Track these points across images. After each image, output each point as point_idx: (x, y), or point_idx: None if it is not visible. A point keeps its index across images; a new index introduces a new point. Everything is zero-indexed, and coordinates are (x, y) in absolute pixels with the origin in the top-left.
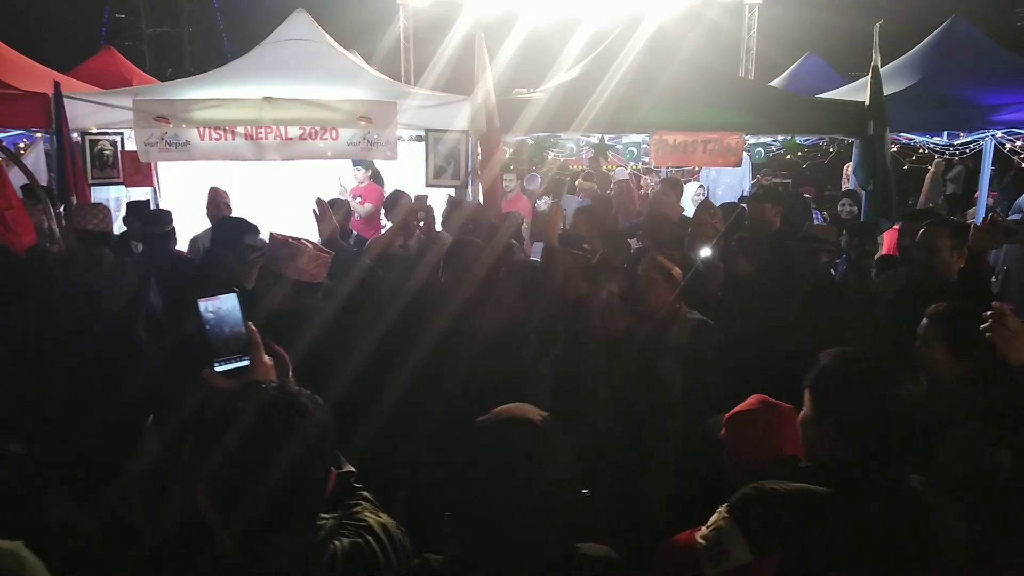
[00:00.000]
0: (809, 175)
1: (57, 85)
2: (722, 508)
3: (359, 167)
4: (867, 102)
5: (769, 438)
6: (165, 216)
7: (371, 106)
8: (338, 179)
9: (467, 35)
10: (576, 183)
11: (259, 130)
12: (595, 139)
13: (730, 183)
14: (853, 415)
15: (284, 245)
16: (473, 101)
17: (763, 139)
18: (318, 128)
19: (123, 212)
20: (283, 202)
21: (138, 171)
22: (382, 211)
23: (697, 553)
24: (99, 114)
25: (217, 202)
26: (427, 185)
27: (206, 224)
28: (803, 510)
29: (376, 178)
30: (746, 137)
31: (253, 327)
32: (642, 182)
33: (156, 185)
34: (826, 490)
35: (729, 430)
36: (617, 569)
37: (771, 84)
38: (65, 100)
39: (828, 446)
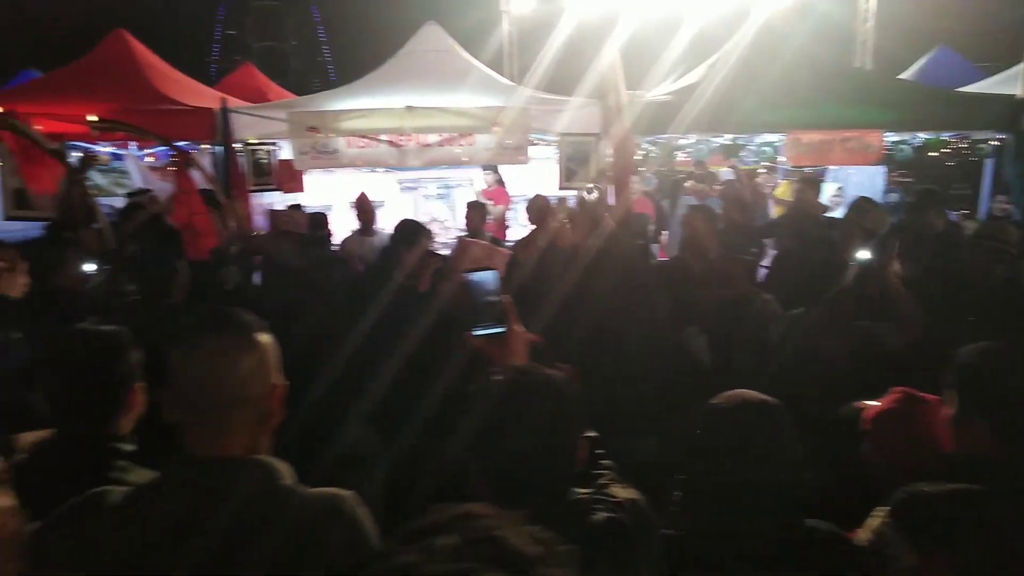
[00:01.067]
0: (934, 172)
1: (224, 101)
2: (882, 512)
3: (488, 171)
4: (1020, 94)
5: (920, 434)
6: (323, 219)
7: (504, 112)
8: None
9: (570, 38)
10: (687, 184)
11: (401, 138)
12: (726, 139)
13: (860, 182)
14: (1005, 410)
15: (475, 246)
16: (604, 104)
17: (904, 136)
18: (455, 134)
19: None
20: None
21: (292, 178)
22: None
23: (862, 556)
24: (257, 126)
25: (366, 206)
26: (560, 188)
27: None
28: (964, 511)
29: (500, 182)
30: (885, 134)
31: (509, 299)
32: (755, 182)
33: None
34: (985, 489)
35: (877, 428)
36: (847, 545)
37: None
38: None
39: (981, 444)
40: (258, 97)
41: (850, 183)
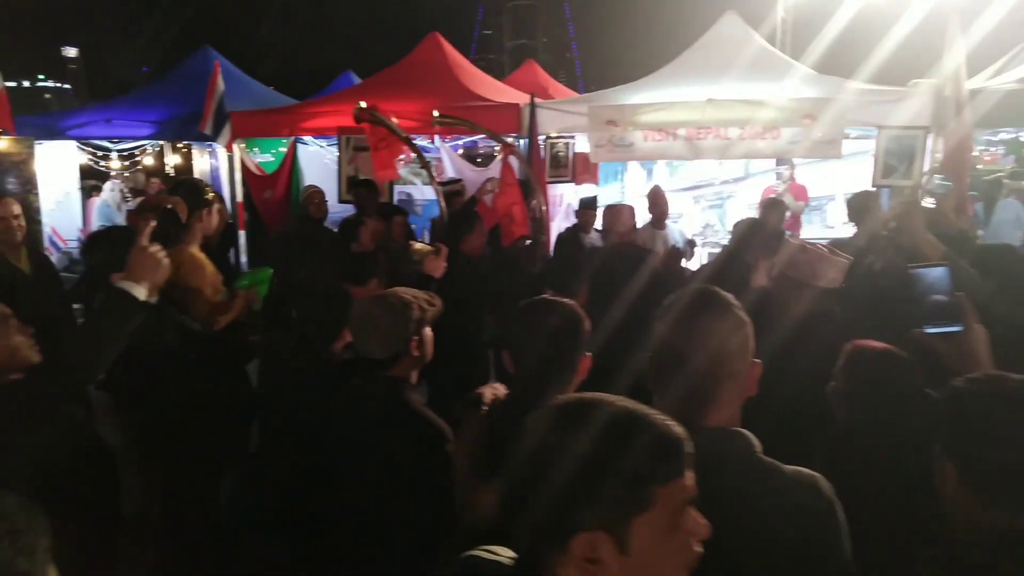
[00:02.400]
0: None
1: (532, 96)
2: None
3: (784, 166)
4: None
5: None
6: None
7: (816, 104)
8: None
9: (850, 21)
10: (1005, 183)
11: (699, 131)
12: None
13: None
14: None
15: (803, 251)
16: (940, 94)
17: None
18: (759, 128)
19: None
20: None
21: (586, 170)
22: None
23: None
24: (559, 120)
25: (659, 199)
26: (874, 185)
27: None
28: None
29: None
30: None
31: (966, 298)
32: None
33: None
34: None
35: None
36: None
37: None
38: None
39: None
40: (542, 93)
41: None
